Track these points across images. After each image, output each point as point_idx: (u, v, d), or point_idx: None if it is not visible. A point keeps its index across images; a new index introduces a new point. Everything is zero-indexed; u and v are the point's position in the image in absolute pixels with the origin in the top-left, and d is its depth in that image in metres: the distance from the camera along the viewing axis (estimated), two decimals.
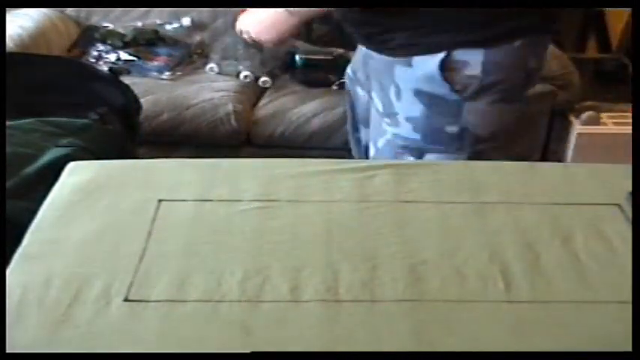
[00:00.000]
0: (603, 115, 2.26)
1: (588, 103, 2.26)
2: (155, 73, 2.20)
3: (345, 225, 0.98)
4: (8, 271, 0.87)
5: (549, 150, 2.28)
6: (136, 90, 1.82)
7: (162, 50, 2.29)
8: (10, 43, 2.05)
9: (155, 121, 1.99)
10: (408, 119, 1.24)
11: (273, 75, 2.20)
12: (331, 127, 2.00)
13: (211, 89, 2.08)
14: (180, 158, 1.16)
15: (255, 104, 2.09)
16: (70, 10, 2.45)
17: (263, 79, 2.17)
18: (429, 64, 1.17)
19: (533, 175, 1.14)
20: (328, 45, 2.19)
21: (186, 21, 2.36)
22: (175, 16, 2.37)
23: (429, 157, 1.26)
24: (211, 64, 2.23)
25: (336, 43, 2.13)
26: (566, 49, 2.55)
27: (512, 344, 0.78)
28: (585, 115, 2.21)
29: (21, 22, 2.22)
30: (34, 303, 0.82)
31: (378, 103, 1.30)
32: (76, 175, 1.08)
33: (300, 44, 2.19)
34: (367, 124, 1.41)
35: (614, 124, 2.24)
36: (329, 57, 2.17)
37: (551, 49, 2.20)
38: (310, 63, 2.18)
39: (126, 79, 2.01)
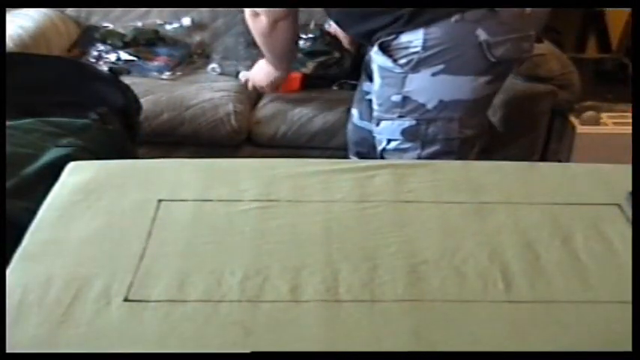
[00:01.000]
0: (603, 115, 2.26)
1: (588, 103, 2.26)
2: (155, 73, 2.20)
3: (345, 225, 0.98)
4: (8, 271, 0.87)
5: (549, 150, 2.28)
6: (136, 90, 1.81)
7: (162, 50, 2.29)
8: (10, 43, 2.05)
9: (155, 121, 1.99)
10: (373, 92, 1.44)
11: None
12: (332, 128, 1.99)
13: (211, 89, 2.07)
14: (180, 158, 1.16)
15: (255, 104, 2.09)
16: (70, 10, 2.45)
17: None
18: (405, 39, 1.31)
19: (533, 175, 1.14)
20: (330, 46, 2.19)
21: (186, 21, 2.35)
22: (175, 16, 2.36)
23: (383, 124, 1.42)
24: (213, 65, 2.23)
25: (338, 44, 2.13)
26: (566, 49, 2.54)
27: (512, 344, 0.78)
28: (585, 115, 2.21)
29: (21, 22, 2.22)
30: (34, 303, 0.82)
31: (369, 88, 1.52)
32: (76, 175, 1.08)
33: (300, 44, 2.18)
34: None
35: (614, 124, 2.24)
36: (330, 57, 2.16)
37: (552, 49, 2.21)
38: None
39: (126, 79, 2.01)
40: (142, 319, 0.80)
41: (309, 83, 2.07)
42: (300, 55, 2.02)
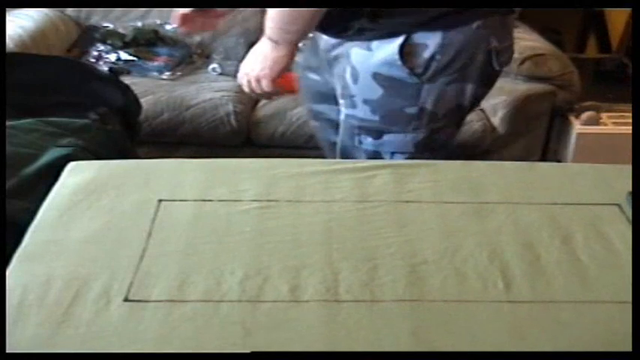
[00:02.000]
0: (603, 115, 2.26)
1: (588, 103, 2.26)
2: (155, 73, 2.20)
3: (345, 225, 0.98)
4: (8, 272, 0.87)
5: (549, 150, 2.28)
6: (136, 90, 1.81)
7: (162, 50, 2.29)
8: (10, 43, 2.05)
9: (155, 121, 1.99)
10: (366, 101, 1.27)
11: None
12: None
13: (211, 89, 2.07)
14: (180, 158, 1.16)
15: (255, 104, 2.09)
16: (70, 10, 2.45)
17: None
18: (388, 48, 1.19)
19: (533, 175, 1.14)
20: None
21: None
22: None
23: (387, 138, 1.30)
24: (214, 65, 2.23)
25: None
26: (566, 49, 2.55)
27: (512, 344, 0.78)
28: (585, 115, 2.21)
29: (21, 22, 2.22)
30: (34, 303, 0.82)
31: (336, 86, 1.34)
32: (76, 175, 1.08)
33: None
34: (323, 101, 1.47)
35: (614, 124, 2.24)
36: None
37: (552, 49, 2.21)
38: None
39: (126, 79, 2.01)
40: (142, 319, 0.80)
41: None
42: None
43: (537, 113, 2.17)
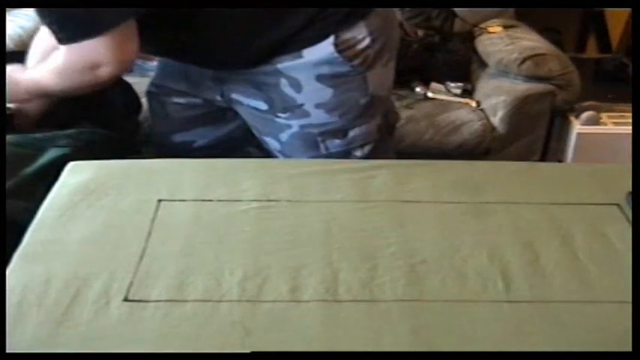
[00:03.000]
0: (603, 115, 2.26)
1: (588, 103, 2.26)
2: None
3: (344, 225, 0.98)
4: (8, 271, 0.87)
5: (549, 150, 2.28)
6: (136, 90, 1.81)
7: None
8: (10, 43, 2.05)
9: None
10: (319, 105, 1.25)
11: None
12: None
13: None
14: (180, 158, 1.16)
15: None
16: None
17: None
18: (320, 50, 1.20)
19: (533, 175, 1.14)
20: None
21: None
22: None
23: (353, 133, 1.29)
24: None
25: None
26: (566, 49, 2.55)
27: (512, 344, 0.78)
28: (585, 115, 2.21)
29: (21, 22, 2.22)
30: (34, 303, 0.82)
31: (256, 104, 1.30)
32: (76, 175, 1.08)
33: None
34: (205, 124, 1.42)
35: (614, 124, 2.24)
36: None
37: (552, 49, 2.21)
38: None
39: (125, 79, 2.01)
40: (142, 319, 0.80)
41: None
42: None
43: (537, 113, 2.17)
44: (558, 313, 0.83)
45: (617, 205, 1.03)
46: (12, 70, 1.30)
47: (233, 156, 1.22)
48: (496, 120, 2.15)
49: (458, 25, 2.42)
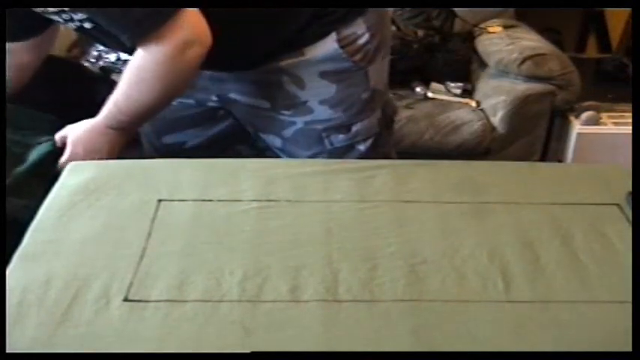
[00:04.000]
0: (603, 115, 2.26)
1: (588, 103, 2.26)
2: None
3: (344, 225, 0.98)
4: (8, 271, 0.87)
5: (549, 150, 2.28)
6: None
7: None
8: None
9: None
10: (323, 102, 1.27)
11: None
12: None
13: None
14: (180, 158, 1.16)
15: None
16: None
17: None
18: (323, 47, 1.22)
19: (533, 175, 1.14)
20: None
21: None
22: None
23: (356, 128, 1.31)
24: None
25: None
26: (566, 49, 2.55)
27: (512, 344, 0.78)
28: (585, 115, 2.21)
29: None
30: (34, 303, 0.82)
31: (257, 102, 1.30)
32: (76, 175, 1.08)
33: None
34: (187, 126, 1.41)
35: (614, 124, 2.24)
36: None
37: (552, 49, 2.21)
38: None
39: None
40: (142, 319, 0.80)
41: None
42: None
43: (537, 113, 2.17)
44: (558, 313, 0.83)
45: (617, 205, 1.03)
46: (79, 125, 1.20)
47: (224, 155, 1.22)
48: (496, 120, 2.15)
49: (458, 25, 2.42)
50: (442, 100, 2.29)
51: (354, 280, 0.86)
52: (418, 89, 2.33)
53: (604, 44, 3.01)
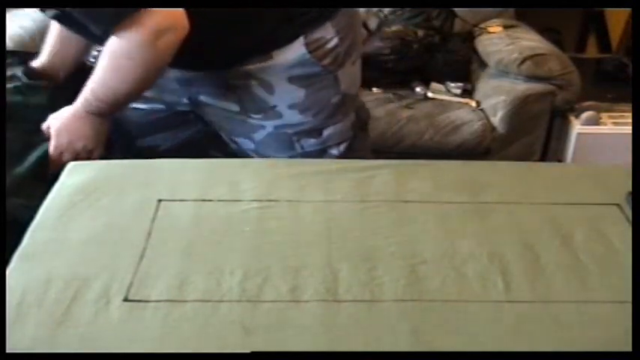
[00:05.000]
0: (603, 115, 2.26)
1: (588, 103, 2.27)
2: None
3: (345, 225, 0.98)
4: (8, 271, 0.87)
5: (549, 150, 2.28)
6: None
7: None
8: (10, 43, 2.05)
9: None
10: (292, 106, 1.26)
11: None
12: None
13: None
14: (180, 158, 1.16)
15: None
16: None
17: None
18: (291, 51, 1.21)
19: (532, 175, 1.14)
20: None
21: None
22: None
23: (328, 132, 1.31)
24: None
25: None
26: (566, 49, 2.55)
27: (512, 344, 0.78)
28: (585, 115, 2.21)
29: (21, 22, 2.22)
30: (34, 303, 0.82)
31: (227, 105, 1.28)
32: (76, 175, 1.08)
33: None
34: (158, 130, 1.39)
35: (614, 124, 2.24)
36: None
37: (552, 49, 2.21)
38: None
39: None
40: (142, 319, 0.80)
41: None
42: None
43: (537, 113, 2.17)
44: (558, 313, 0.83)
45: (617, 205, 1.03)
46: (59, 114, 1.21)
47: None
48: (496, 120, 2.15)
49: (458, 25, 2.42)
50: (442, 100, 2.29)
51: (354, 280, 0.86)
52: (418, 89, 2.33)
53: (604, 44, 3.02)
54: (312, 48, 1.21)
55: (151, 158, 1.21)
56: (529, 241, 0.95)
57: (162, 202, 1.01)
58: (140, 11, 1.03)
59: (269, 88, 1.24)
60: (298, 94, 1.25)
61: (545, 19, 2.67)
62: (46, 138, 1.22)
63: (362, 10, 2.21)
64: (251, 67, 1.22)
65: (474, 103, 2.26)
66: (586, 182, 1.10)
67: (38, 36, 2.21)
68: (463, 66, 2.40)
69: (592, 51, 3.05)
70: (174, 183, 1.06)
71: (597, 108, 2.25)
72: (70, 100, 1.22)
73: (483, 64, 2.32)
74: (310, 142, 1.31)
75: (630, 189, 1.03)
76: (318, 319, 0.81)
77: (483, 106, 2.24)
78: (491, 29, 2.36)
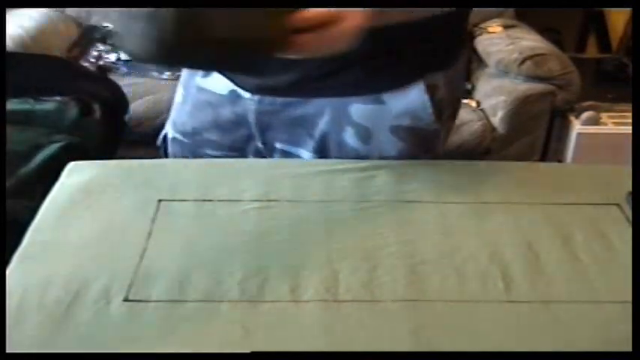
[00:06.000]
0: (603, 115, 2.26)
1: (588, 103, 2.27)
2: (155, 73, 2.21)
3: (345, 225, 0.98)
4: (8, 272, 0.87)
5: (549, 150, 2.29)
6: (136, 90, 1.82)
7: None
8: (10, 43, 2.05)
9: (155, 121, 1.99)
10: (381, 158, 1.11)
11: None
12: None
13: None
14: (180, 158, 1.16)
15: None
16: (70, 10, 2.45)
17: None
18: (408, 96, 1.04)
19: (533, 175, 1.14)
20: None
21: None
22: None
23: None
24: None
25: None
26: (566, 49, 2.55)
27: (512, 344, 0.78)
28: (585, 115, 2.22)
29: (21, 22, 2.22)
30: (34, 303, 0.82)
31: (299, 153, 1.14)
32: (76, 175, 1.08)
33: None
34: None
35: (614, 124, 2.24)
36: None
37: (552, 49, 2.21)
38: None
39: (126, 79, 2.01)
40: (142, 319, 0.80)
41: None
42: None
43: (537, 113, 2.17)
44: (558, 313, 0.83)
45: (617, 205, 1.03)
46: None
47: None
48: (496, 120, 2.15)
49: None
50: None
51: (354, 280, 0.86)
52: None
53: (604, 44, 3.02)
54: (431, 95, 1.02)
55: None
56: (529, 241, 0.95)
57: (162, 202, 1.01)
58: None
59: (366, 138, 1.07)
60: (395, 146, 1.08)
61: (545, 19, 2.67)
62: (53, 140, 1.23)
63: None
64: (351, 108, 1.04)
65: (474, 103, 2.26)
66: (586, 182, 1.10)
67: (39, 36, 2.21)
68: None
69: (592, 51, 3.05)
70: (174, 183, 1.06)
71: (597, 108, 2.26)
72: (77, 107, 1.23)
73: (483, 64, 2.32)
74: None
75: (630, 189, 1.03)
76: (318, 319, 0.81)
77: (483, 106, 2.24)
78: (491, 29, 2.36)
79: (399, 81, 1.03)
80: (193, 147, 1.20)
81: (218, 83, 1.13)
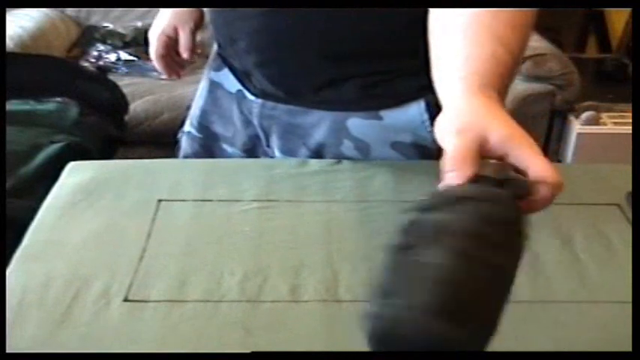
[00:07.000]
0: (603, 115, 2.26)
1: (588, 103, 2.27)
2: (155, 73, 2.20)
3: (345, 225, 0.98)
4: (8, 272, 0.87)
5: (549, 150, 2.29)
6: (136, 90, 1.82)
7: None
8: (10, 43, 2.05)
9: (155, 121, 1.99)
10: None
11: None
12: None
13: None
14: (180, 158, 1.16)
15: None
16: (70, 10, 2.45)
17: None
18: (407, 114, 1.03)
19: None
20: None
21: None
22: None
23: None
24: None
25: None
26: (566, 49, 2.55)
27: (512, 344, 0.78)
28: (585, 115, 2.22)
29: (21, 22, 2.22)
30: (34, 303, 0.82)
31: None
32: (76, 175, 1.08)
33: None
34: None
35: (614, 124, 2.24)
36: None
37: (552, 49, 2.21)
38: None
39: (126, 79, 2.01)
40: (142, 319, 0.80)
41: None
42: None
43: (537, 113, 2.17)
44: (558, 313, 0.83)
45: (617, 205, 1.03)
46: None
47: None
48: None
49: None
50: None
51: (354, 280, 0.86)
52: None
53: (604, 44, 3.02)
54: (434, 113, 0.93)
55: None
56: (529, 241, 0.95)
57: (162, 202, 1.01)
58: None
59: (365, 152, 1.08)
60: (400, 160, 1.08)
61: (545, 19, 2.67)
62: (54, 140, 1.23)
63: None
64: (349, 122, 1.04)
65: None
66: (586, 182, 1.10)
67: (39, 36, 2.21)
68: None
69: (592, 51, 3.05)
70: (174, 183, 1.06)
71: (597, 108, 2.26)
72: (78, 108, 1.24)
73: None
74: None
75: (630, 189, 1.03)
76: (318, 319, 0.81)
77: None
78: None
79: (398, 98, 1.03)
80: (204, 141, 1.22)
81: (229, 80, 1.16)
